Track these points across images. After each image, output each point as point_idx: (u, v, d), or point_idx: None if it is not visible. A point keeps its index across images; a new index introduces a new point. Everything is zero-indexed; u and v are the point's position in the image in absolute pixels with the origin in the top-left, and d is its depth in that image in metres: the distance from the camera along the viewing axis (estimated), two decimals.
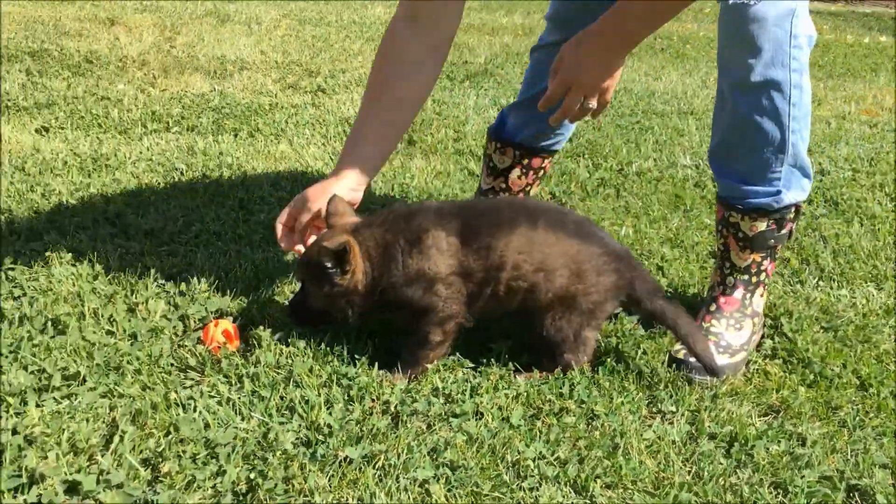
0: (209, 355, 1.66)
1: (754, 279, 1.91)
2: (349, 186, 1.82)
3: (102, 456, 1.36)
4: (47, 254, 2.05)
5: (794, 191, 1.84)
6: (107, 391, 1.54)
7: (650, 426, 1.58)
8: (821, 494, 1.42)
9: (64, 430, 1.41)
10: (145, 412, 1.47)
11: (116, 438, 1.40)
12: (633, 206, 2.73)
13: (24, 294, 1.85)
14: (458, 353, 1.74)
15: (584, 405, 1.61)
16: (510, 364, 1.73)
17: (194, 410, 1.51)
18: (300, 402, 1.54)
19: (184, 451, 1.39)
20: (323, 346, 1.71)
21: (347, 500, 1.33)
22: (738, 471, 1.47)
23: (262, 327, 1.76)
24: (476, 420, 1.54)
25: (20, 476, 1.30)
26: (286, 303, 1.85)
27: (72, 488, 1.29)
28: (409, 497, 1.35)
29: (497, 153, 2.29)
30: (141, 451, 1.38)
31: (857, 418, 1.65)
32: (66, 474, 1.30)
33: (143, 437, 1.42)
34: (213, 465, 1.36)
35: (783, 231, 1.88)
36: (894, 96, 4.49)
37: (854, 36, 6.27)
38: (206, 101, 3.65)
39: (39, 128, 3.14)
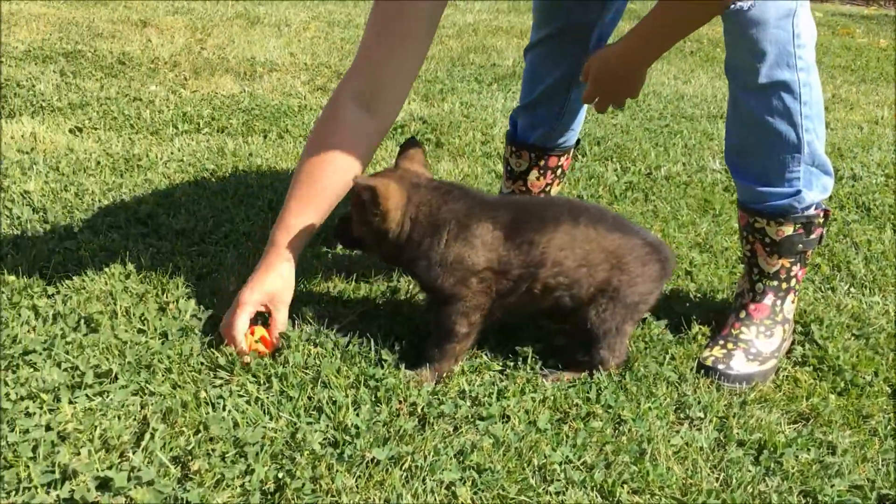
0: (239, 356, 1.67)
1: (784, 285, 1.89)
2: (283, 277, 1.72)
3: (133, 453, 1.38)
4: (80, 252, 2.09)
5: (816, 190, 1.82)
6: (138, 389, 1.57)
7: (678, 432, 1.57)
8: None
9: (96, 426, 1.43)
10: (176, 410, 1.49)
11: (147, 436, 1.42)
12: (662, 210, 2.72)
13: (58, 292, 1.88)
14: (485, 356, 1.75)
15: (611, 410, 1.61)
16: (537, 368, 1.73)
17: (224, 409, 1.52)
18: (328, 403, 1.55)
19: (213, 450, 1.40)
20: (351, 347, 1.72)
21: (374, 500, 1.34)
22: (766, 478, 1.46)
23: (290, 327, 1.77)
24: (503, 423, 1.55)
25: (53, 472, 1.32)
26: (310, 307, 1.86)
27: (103, 485, 1.31)
28: (435, 499, 1.35)
29: (513, 157, 2.30)
30: (171, 449, 1.40)
31: (889, 427, 1.63)
32: (97, 471, 1.32)
33: (174, 435, 1.44)
34: (242, 464, 1.38)
35: (812, 236, 1.86)
36: None
37: (888, 40, 6.18)
38: (236, 102, 3.68)
39: (73, 128, 3.18)
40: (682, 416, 1.63)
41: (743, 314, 1.90)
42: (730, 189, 2.94)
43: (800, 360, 1.87)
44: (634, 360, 1.77)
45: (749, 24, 1.66)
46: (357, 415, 1.52)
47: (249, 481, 1.34)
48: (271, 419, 1.51)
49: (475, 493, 1.37)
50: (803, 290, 2.15)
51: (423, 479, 1.38)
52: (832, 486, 1.43)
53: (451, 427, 1.53)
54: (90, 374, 1.56)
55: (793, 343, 1.92)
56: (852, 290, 2.21)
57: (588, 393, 1.65)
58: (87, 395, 1.53)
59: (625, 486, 1.41)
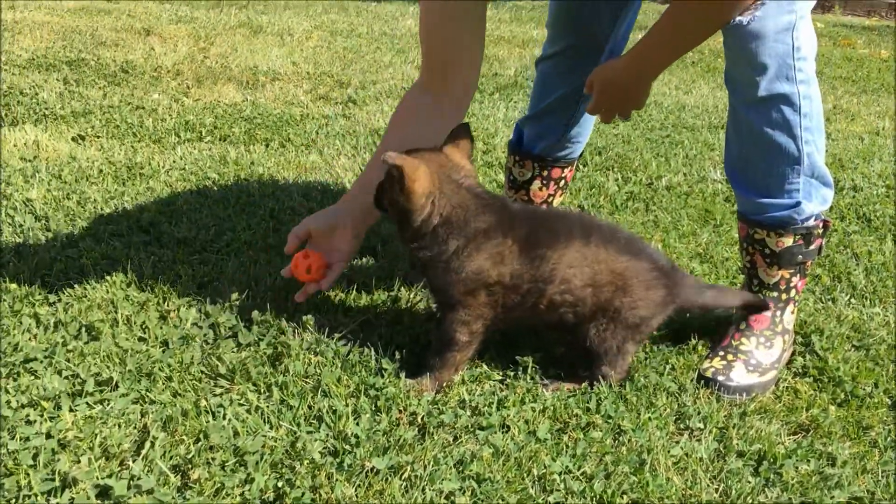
0: (239, 364, 1.67)
1: (784, 296, 1.89)
2: (354, 217, 1.85)
3: (133, 461, 1.39)
4: (82, 260, 2.09)
5: (815, 201, 1.83)
6: (138, 397, 1.57)
7: (678, 443, 1.57)
8: None
9: (96, 435, 1.43)
10: (176, 419, 1.49)
11: (147, 444, 1.42)
12: (663, 220, 2.72)
13: (60, 300, 1.89)
14: (485, 366, 1.75)
15: (611, 420, 1.61)
16: (537, 377, 1.73)
17: (224, 418, 1.52)
18: (328, 412, 1.55)
19: (213, 459, 1.40)
20: (351, 356, 1.73)
21: None
22: (766, 490, 1.46)
23: (291, 336, 1.77)
24: (502, 433, 1.55)
25: (53, 480, 1.32)
26: (311, 316, 1.87)
27: (103, 493, 1.31)
28: None
29: (517, 166, 2.30)
30: (171, 458, 1.40)
31: (889, 439, 1.63)
32: (97, 479, 1.33)
33: (174, 443, 1.44)
34: (242, 473, 1.38)
35: (812, 247, 1.86)
36: None
37: (889, 51, 6.20)
38: (238, 111, 3.69)
39: (76, 136, 3.19)
40: (681, 426, 1.63)
41: (743, 325, 1.90)
42: (730, 199, 2.94)
43: (800, 370, 1.87)
44: (635, 370, 1.77)
45: (748, 37, 1.67)
46: (357, 424, 1.52)
47: (249, 490, 1.34)
48: (271, 428, 1.51)
49: (475, 503, 1.37)
50: (803, 300, 2.15)
51: (423, 489, 1.38)
52: (832, 497, 1.43)
53: (450, 436, 1.53)
54: (91, 382, 1.57)
55: (793, 354, 1.92)
56: (853, 300, 2.22)
57: (588, 403, 1.65)
58: (87, 403, 1.53)
59: (624, 496, 1.41)
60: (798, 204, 1.80)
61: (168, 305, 1.90)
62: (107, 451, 1.40)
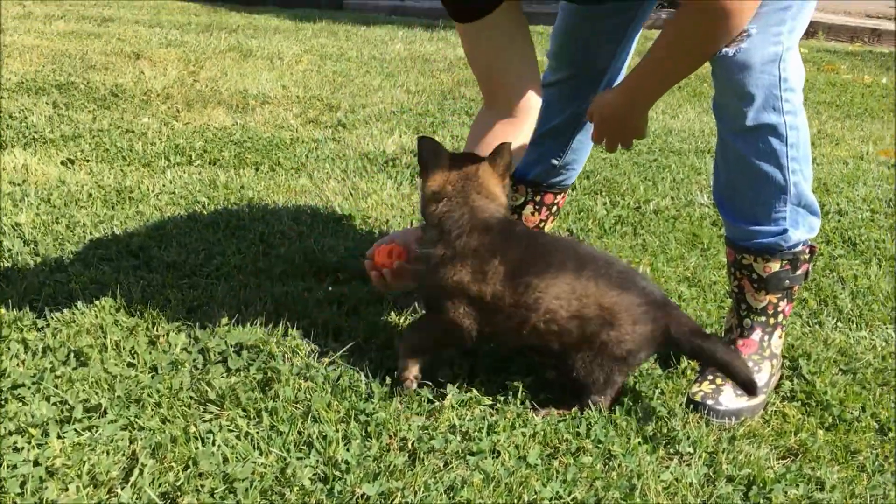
0: (229, 389, 1.67)
1: (772, 321, 1.91)
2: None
3: (122, 489, 1.38)
4: (71, 285, 2.09)
5: (802, 229, 1.85)
6: (127, 424, 1.56)
7: (667, 467, 1.57)
8: None
9: (84, 462, 1.42)
10: (165, 445, 1.49)
11: (136, 471, 1.42)
12: (651, 244, 2.74)
13: (48, 325, 1.88)
14: (475, 391, 1.75)
15: (601, 445, 1.61)
16: (528, 402, 1.73)
17: (213, 444, 1.52)
18: (318, 438, 1.55)
19: (202, 486, 1.40)
20: (342, 381, 1.73)
21: None
22: None
23: (281, 361, 1.77)
24: (493, 458, 1.55)
25: None
26: (301, 341, 1.87)
27: None
28: None
29: (509, 191, 2.31)
30: (160, 485, 1.40)
31: (877, 463, 1.64)
32: None
33: (163, 470, 1.43)
34: (231, 500, 1.38)
35: (798, 272, 1.88)
36: None
37: (872, 76, 6.28)
38: (228, 134, 3.70)
39: (65, 160, 3.19)
40: (671, 451, 1.64)
41: (732, 349, 1.91)
42: (717, 223, 2.97)
43: (788, 395, 1.88)
44: (625, 394, 1.78)
45: (735, 68, 1.70)
46: (347, 450, 1.52)
47: None
48: (261, 454, 1.51)
49: None
50: (791, 324, 2.17)
51: None
52: None
53: (441, 462, 1.53)
54: (79, 409, 1.56)
55: (781, 378, 1.93)
56: (839, 324, 2.23)
57: (578, 428, 1.66)
58: (75, 430, 1.52)
59: None
60: (785, 231, 1.82)
61: (157, 330, 1.89)
62: (95, 478, 1.40)
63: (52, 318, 1.91)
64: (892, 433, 1.73)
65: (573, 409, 1.72)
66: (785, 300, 1.91)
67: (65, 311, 1.94)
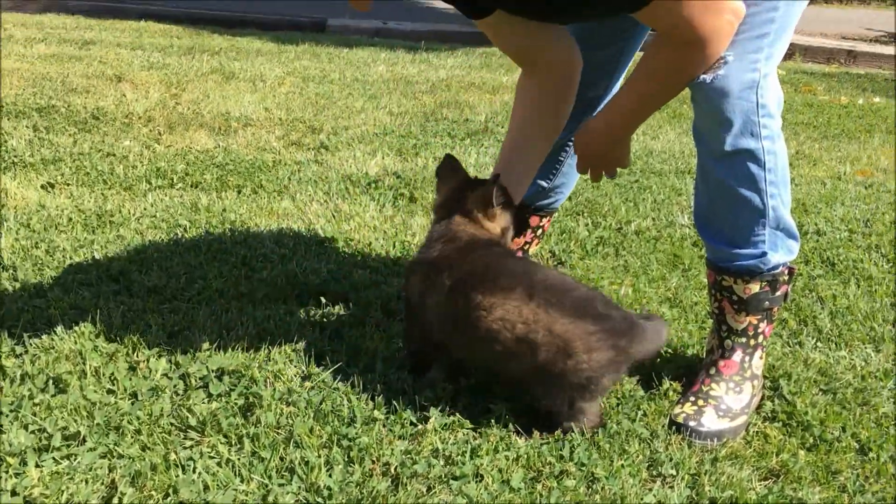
0: (210, 415, 1.66)
1: (752, 342, 1.92)
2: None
3: None
4: (50, 311, 2.07)
5: (781, 252, 1.87)
6: (106, 451, 1.55)
7: (650, 490, 1.57)
8: None
9: (63, 491, 1.41)
10: (145, 473, 1.47)
11: (115, 500, 1.40)
12: (632, 265, 2.76)
13: (27, 352, 1.87)
14: (458, 414, 1.75)
15: (584, 468, 1.61)
16: (511, 425, 1.73)
17: (194, 472, 1.51)
18: (300, 464, 1.54)
19: None
20: (324, 405, 1.72)
21: None
22: None
23: (263, 386, 1.76)
24: (476, 483, 1.54)
25: None
26: (284, 365, 1.86)
27: None
28: None
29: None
30: None
31: (858, 483, 1.65)
32: None
33: (142, 499, 1.42)
34: None
35: (778, 293, 1.90)
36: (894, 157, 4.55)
37: (848, 97, 6.37)
38: (210, 157, 3.69)
39: (45, 184, 3.17)
40: (654, 473, 1.64)
41: (713, 370, 1.92)
42: (698, 244, 2.99)
43: (769, 415, 1.89)
44: (608, 416, 1.78)
45: (713, 94, 1.72)
46: (330, 475, 1.51)
47: None
48: (242, 481, 1.49)
49: None
50: (771, 345, 2.18)
51: None
52: None
53: (424, 487, 1.53)
54: (58, 437, 1.55)
55: (762, 398, 1.94)
56: (819, 344, 2.25)
57: (561, 451, 1.66)
58: (54, 459, 1.51)
59: None
60: (764, 254, 1.84)
61: (137, 356, 1.88)
62: None
63: (30, 344, 1.89)
64: (872, 453, 1.74)
65: (556, 433, 1.72)
66: (765, 321, 1.92)
67: (43, 337, 1.92)
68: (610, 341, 1.67)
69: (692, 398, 1.86)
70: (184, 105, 4.70)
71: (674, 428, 1.78)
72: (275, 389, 1.77)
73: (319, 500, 1.44)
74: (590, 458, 1.64)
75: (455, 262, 1.78)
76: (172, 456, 1.53)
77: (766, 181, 1.79)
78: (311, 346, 1.99)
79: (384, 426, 1.69)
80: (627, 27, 2.06)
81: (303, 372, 1.87)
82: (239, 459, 1.55)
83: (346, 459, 1.57)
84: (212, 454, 1.56)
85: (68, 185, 3.18)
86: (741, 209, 1.81)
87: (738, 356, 1.92)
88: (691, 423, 1.78)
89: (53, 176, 3.25)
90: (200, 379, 1.80)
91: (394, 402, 1.75)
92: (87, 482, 1.45)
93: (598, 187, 3.63)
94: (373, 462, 1.57)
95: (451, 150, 4.17)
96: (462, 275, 1.75)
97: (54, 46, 6.29)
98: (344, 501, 1.44)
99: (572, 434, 1.70)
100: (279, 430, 1.64)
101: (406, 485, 1.52)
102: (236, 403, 1.72)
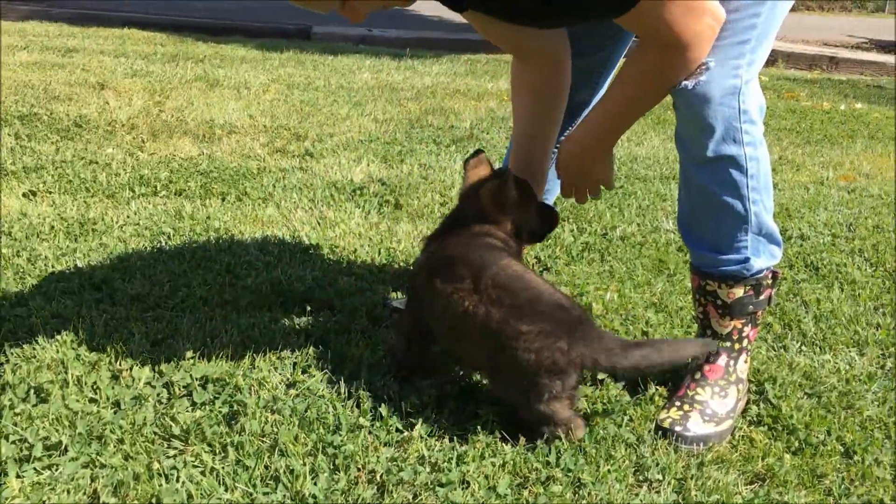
0: (194, 424, 1.64)
1: (737, 346, 1.93)
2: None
3: None
4: (31, 320, 2.05)
5: (763, 257, 1.87)
6: (88, 461, 1.53)
7: (637, 495, 1.57)
8: None
9: (45, 501, 1.39)
10: (127, 483, 1.46)
11: None
12: (618, 270, 2.76)
13: (7, 361, 1.85)
14: (444, 420, 1.74)
15: (570, 473, 1.61)
16: (497, 431, 1.72)
17: (177, 481, 1.49)
18: (285, 472, 1.53)
19: None
20: (309, 413, 1.71)
21: None
22: None
23: (247, 394, 1.75)
24: (462, 489, 1.54)
25: None
26: (268, 373, 1.85)
27: None
28: None
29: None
30: None
31: (843, 486, 1.65)
32: None
33: None
34: None
35: (762, 297, 1.91)
36: (890, 161, 4.59)
37: (830, 103, 6.42)
38: (194, 165, 3.68)
39: (27, 192, 3.15)
40: (640, 478, 1.64)
41: (698, 375, 1.92)
42: (683, 249, 3.00)
43: (755, 419, 1.89)
44: (594, 423, 1.78)
45: (695, 101, 1.72)
46: (315, 484, 1.50)
47: None
48: (227, 490, 1.48)
49: None
50: (756, 349, 2.19)
51: None
52: None
53: (410, 494, 1.52)
54: (39, 447, 1.53)
55: (747, 402, 1.95)
56: (803, 348, 2.26)
57: (548, 456, 1.65)
58: (35, 469, 1.49)
59: None
60: (747, 260, 1.85)
61: (120, 365, 1.86)
62: None
63: (11, 353, 1.87)
64: (857, 456, 1.75)
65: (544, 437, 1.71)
66: (749, 325, 1.93)
67: (25, 346, 1.90)
68: (554, 342, 1.63)
69: (678, 403, 1.87)
70: (167, 112, 4.68)
71: (660, 433, 1.78)
72: (259, 397, 1.75)
73: None
74: (576, 463, 1.64)
75: (436, 245, 1.89)
76: (156, 465, 1.52)
77: (748, 187, 1.79)
78: (296, 354, 1.98)
79: (370, 433, 1.68)
80: (612, 34, 2.07)
81: (287, 379, 1.86)
82: (223, 468, 1.53)
83: (332, 467, 1.56)
84: (196, 463, 1.55)
85: (50, 192, 3.16)
86: (724, 215, 1.82)
87: (722, 360, 1.92)
88: (677, 428, 1.78)
89: (35, 184, 3.23)
90: (184, 387, 1.79)
91: (379, 409, 1.74)
92: (68, 492, 1.43)
93: None
94: (358, 469, 1.56)
95: (437, 156, 4.17)
96: (436, 262, 1.84)
97: (37, 54, 6.25)
98: None
99: (558, 440, 1.70)
100: (264, 439, 1.63)
101: (392, 492, 1.51)
102: (220, 412, 1.71)
